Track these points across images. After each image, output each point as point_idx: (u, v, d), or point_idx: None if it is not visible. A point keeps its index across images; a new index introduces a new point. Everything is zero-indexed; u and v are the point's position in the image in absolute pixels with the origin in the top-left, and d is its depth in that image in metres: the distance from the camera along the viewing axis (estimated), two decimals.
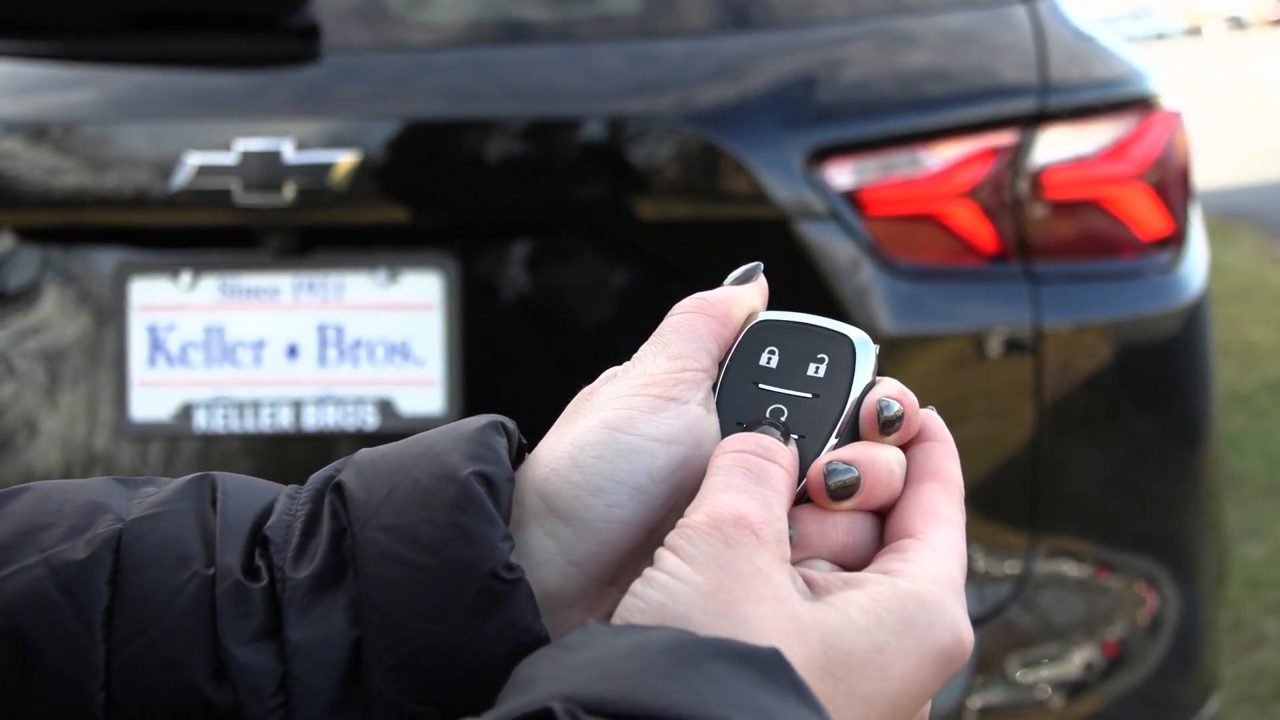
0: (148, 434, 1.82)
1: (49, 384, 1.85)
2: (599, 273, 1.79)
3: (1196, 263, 1.88)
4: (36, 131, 1.83)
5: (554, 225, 1.81)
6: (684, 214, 1.76)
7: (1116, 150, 1.80)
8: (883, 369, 0.60)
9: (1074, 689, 1.81)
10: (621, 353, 0.63)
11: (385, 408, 1.79)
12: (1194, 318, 1.84)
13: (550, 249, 1.81)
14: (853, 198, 1.74)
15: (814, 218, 1.73)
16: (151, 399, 1.82)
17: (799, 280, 1.71)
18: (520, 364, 1.81)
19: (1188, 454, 1.88)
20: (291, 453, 1.81)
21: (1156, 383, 1.85)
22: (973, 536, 1.72)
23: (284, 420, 1.79)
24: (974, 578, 1.76)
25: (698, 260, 1.77)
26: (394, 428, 1.78)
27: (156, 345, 1.83)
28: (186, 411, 1.81)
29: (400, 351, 1.80)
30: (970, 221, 1.76)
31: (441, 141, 1.80)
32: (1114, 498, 1.85)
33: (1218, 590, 1.96)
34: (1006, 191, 1.76)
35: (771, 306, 0.63)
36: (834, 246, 1.72)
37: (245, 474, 0.62)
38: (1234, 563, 3.51)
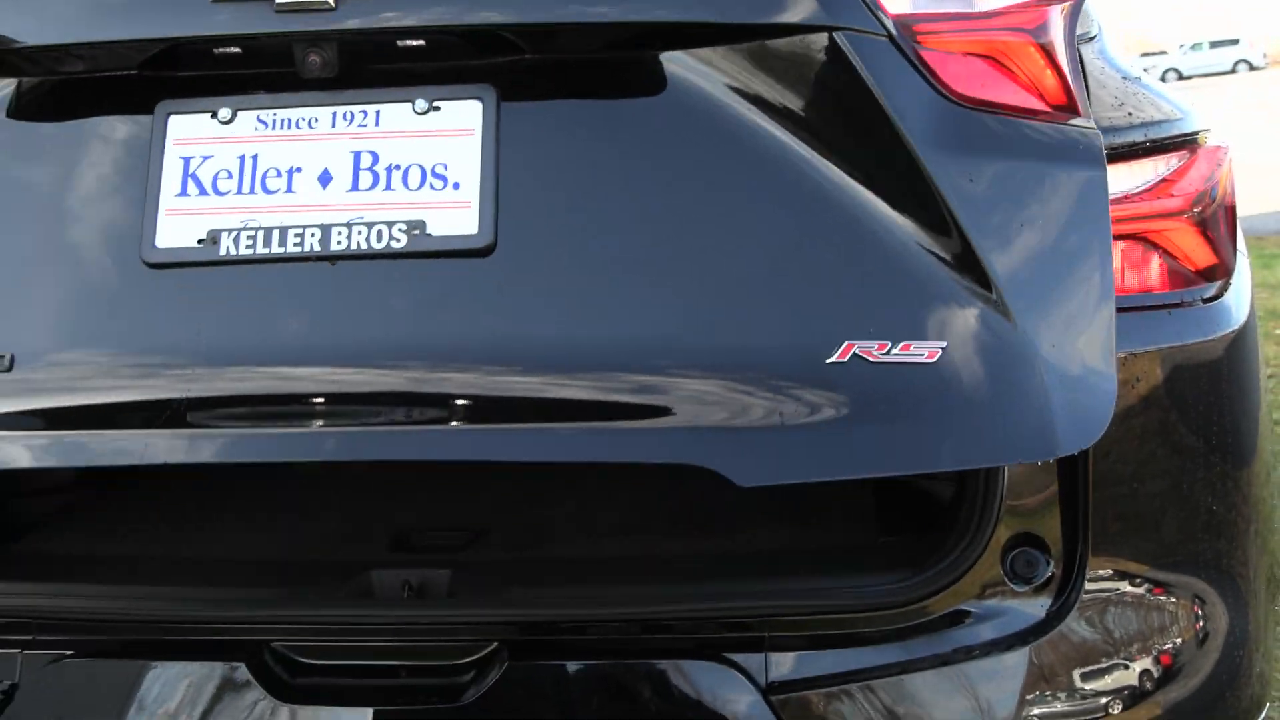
0: (171, 260, 1.76)
1: (75, 215, 1.81)
2: (646, 97, 1.74)
3: (1241, 292, 1.91)
4: None
5: (600, 49, 1.76)
6: (732, 33, 1.71)
7: (1162, 186, 1.83)
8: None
9: (1129, 701, 1.79)
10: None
11: (416, 229, 1.73)
12: (1239, 344, 1.86)
13: (594, 72, 1.76)
14: (907, 25, 1.70)
15: (869, 36, 1.68)
16: (178, 227, 1.77)
17: (850, 97, 1.66)
18: (559, 187, 1.75)
19: (1236, 474, 1.87)
20: (315, 277, 1.74)
21: (1205, 408, 1.84)
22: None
23: (312, 244, 1.74)
24: (1031, 590, 1.78)
25: (746, 81, 1.72)
26: (423, 248, 1.72)
27: (188, 175, 1.79)
28: (214, 239, 1.76)
29: (436, 175, 1.74)
30: (1035, 66, 1.71)
31: None
32: (1166, 514, 1.82)
33: (1270, 604, 1.96)
34: (1069, 42, 1.72)
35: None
36: (887, 68, 1.67)
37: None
38: None
